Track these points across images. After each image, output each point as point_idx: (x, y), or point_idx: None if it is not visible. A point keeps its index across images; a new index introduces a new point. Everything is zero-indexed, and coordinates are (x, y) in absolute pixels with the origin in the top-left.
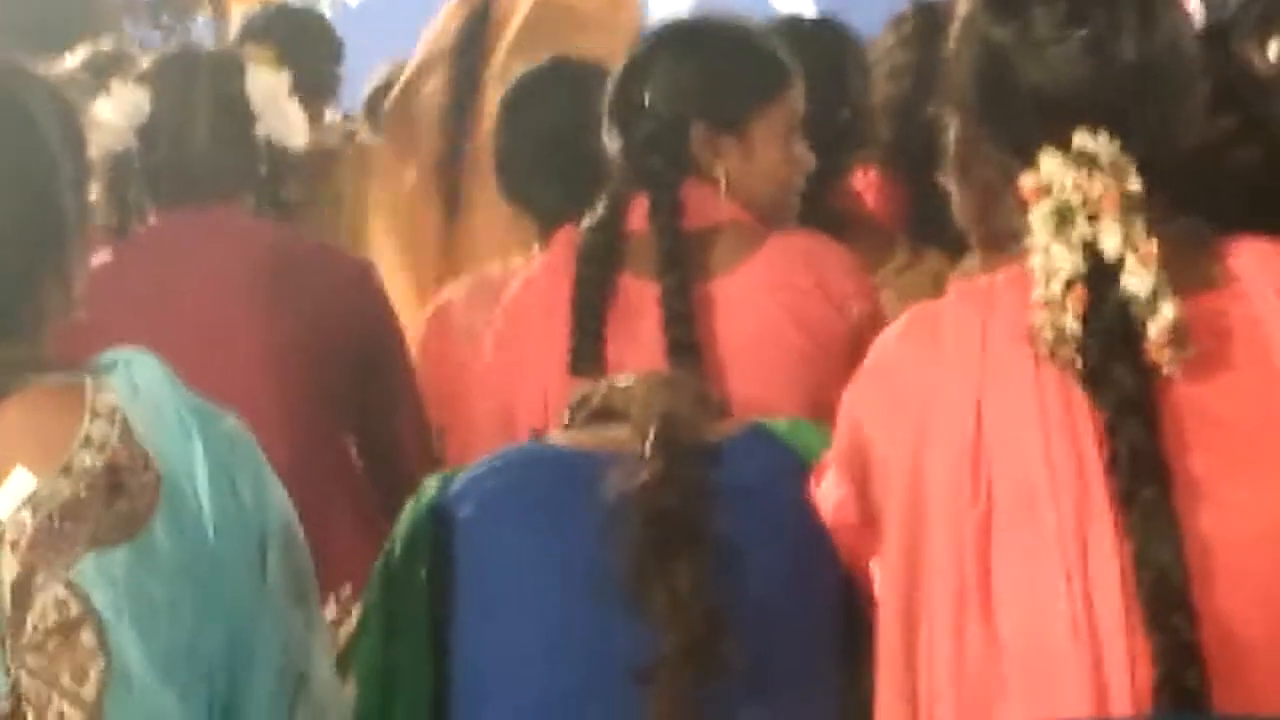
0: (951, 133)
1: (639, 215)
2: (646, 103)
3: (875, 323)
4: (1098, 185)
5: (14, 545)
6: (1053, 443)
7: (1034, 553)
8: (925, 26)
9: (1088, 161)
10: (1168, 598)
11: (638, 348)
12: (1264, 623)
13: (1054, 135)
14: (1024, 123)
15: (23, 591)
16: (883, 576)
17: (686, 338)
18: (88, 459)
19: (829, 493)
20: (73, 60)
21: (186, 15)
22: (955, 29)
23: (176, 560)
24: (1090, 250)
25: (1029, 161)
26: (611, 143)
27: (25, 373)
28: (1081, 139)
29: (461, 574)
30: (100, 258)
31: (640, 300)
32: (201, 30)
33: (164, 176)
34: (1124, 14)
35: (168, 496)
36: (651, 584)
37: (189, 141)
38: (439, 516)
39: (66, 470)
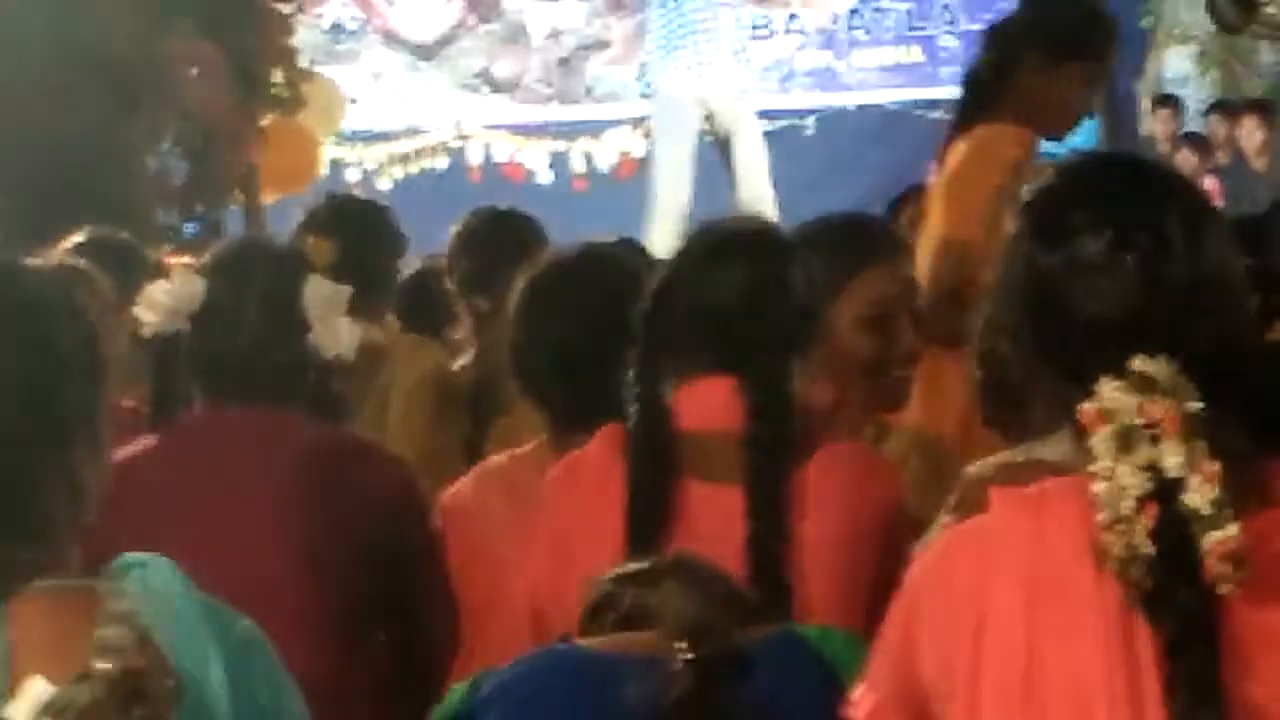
0: (1001, 343)
1: (693, 412)
2: (726, 291)
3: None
4: (1159, 408)
5: None
6: (1112, 658)
7: None
8: None
9: (1147, 386)
10: None
11: (702, 548)
12: None
13: (1110, 360)
14: (1078, 349)
15: None
16: None
17: (776, 548)
18: (104, 665)
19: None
20: (77, 239)
21: (219, 204)
22: (1004, 249)
23: None
24: (1154, 472)
25: (1085, 386)
26: (662, 320)
27: (32, 576)
28: (1140, 363)
29: None
30: (143, 443)
31: (707, 508)
32: (234, 219)
33: (211, 369)
34: (1171, 235)
35: (186, 702)
36: None
37: (238, 338)
38: None
39: (84, 676)
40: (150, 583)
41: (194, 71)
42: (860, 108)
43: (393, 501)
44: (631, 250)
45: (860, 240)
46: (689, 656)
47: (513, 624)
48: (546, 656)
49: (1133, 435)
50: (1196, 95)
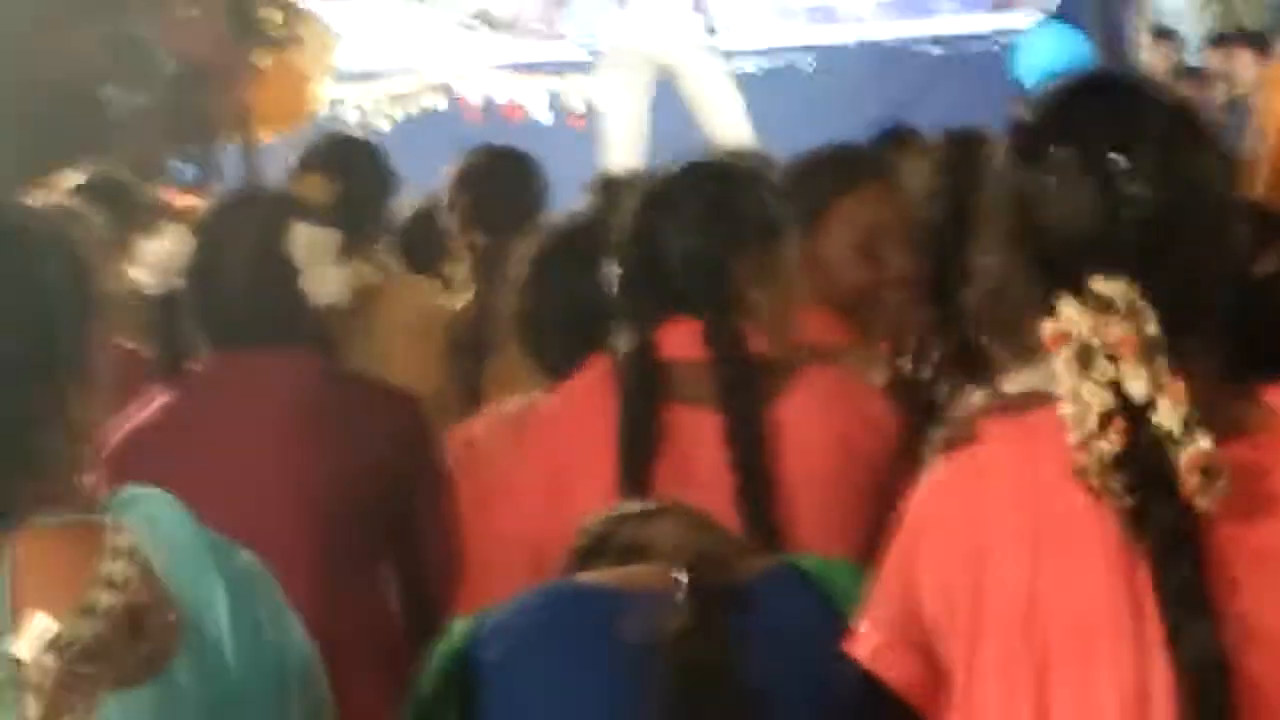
0: (991, 261)
1: (674, 343)
2: (681, 239)
3: (903, 442)
4: (1115, 330)
5: (38, 689)
6: (1113, 582)
7: (1092, 695)
8: (955, 154)
9: (1104, 306)
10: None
11: (690, 479)
12: None
13: (1073, 280)
14: (1047, 269)
15: None
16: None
17: (757, 465)
18: (108, 599)
19: (890, 659)
20: (74, 179)
21: (214, 144)
22: (993, 168)
23: (199, 699)
24: (1117, 389)
25: (1048, 305)
26: (631, 273)
27: (35, 510)
28: (1099, 284)
29: (492, 717)
30: (153, 395)
31: (695, 431)
32: (231, 158)
33: (211, 320)
34: (1140, 157)
35: (189, 635)
36: None
37: (232, 290)
38: (467, 659)
39: (87, 611)
40: (153, 517)
41: (190, 11)
42: (859, 43)
43: (402, 435)
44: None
45: (844, 166)
46: (689, 588)
47: (509, 574)
48: (546, 592)
49: (1092, 355)
50: (1194, 29)
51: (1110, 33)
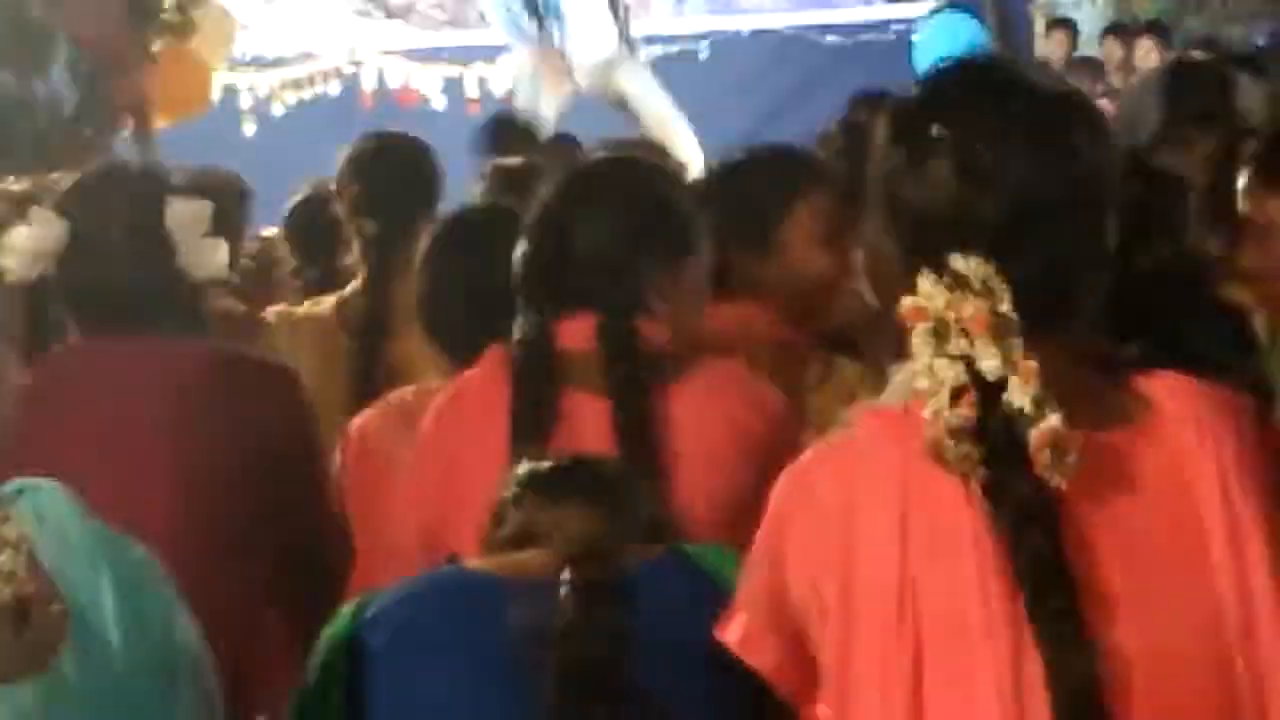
0: (870, 239)
1: (572, 335)
2: (590, 234)
3: (795, 437)
4: (969, 306)
5: None
6: (983, 564)
7: (967, 678)
8: (851, 142)
9: (960, 284)
10: (1081, 709)
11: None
12: (1154, 689)
13: (932, 257)
14: (911, 244)
15: None
16: (822, 706)
17: (644, 455)
18: None
19: (757, 645)
20: None
21: (109, 131)
22: (871, 148)
23: (85, 692)
24: (970, 365)
25: (912, 280)
26: (536, 262)
27: None
28: (955, 261)
29: (374, 706)
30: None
31: (585, 415)
32: (125, 145)
33: (83, 302)
34: (1009, 142)
35: (75, 629)
36: None
37: (106, 269)
38: (352, 646)
39: None
40: (42, 508)
41: None
42: (754, 32)
43: (283, 412)
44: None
45: (796, 164)
46: (574, 582)
47: (401, 559)
48: (431, 579)
49: (946, 330)
50: (1090, 18)
51: (1007, 22)
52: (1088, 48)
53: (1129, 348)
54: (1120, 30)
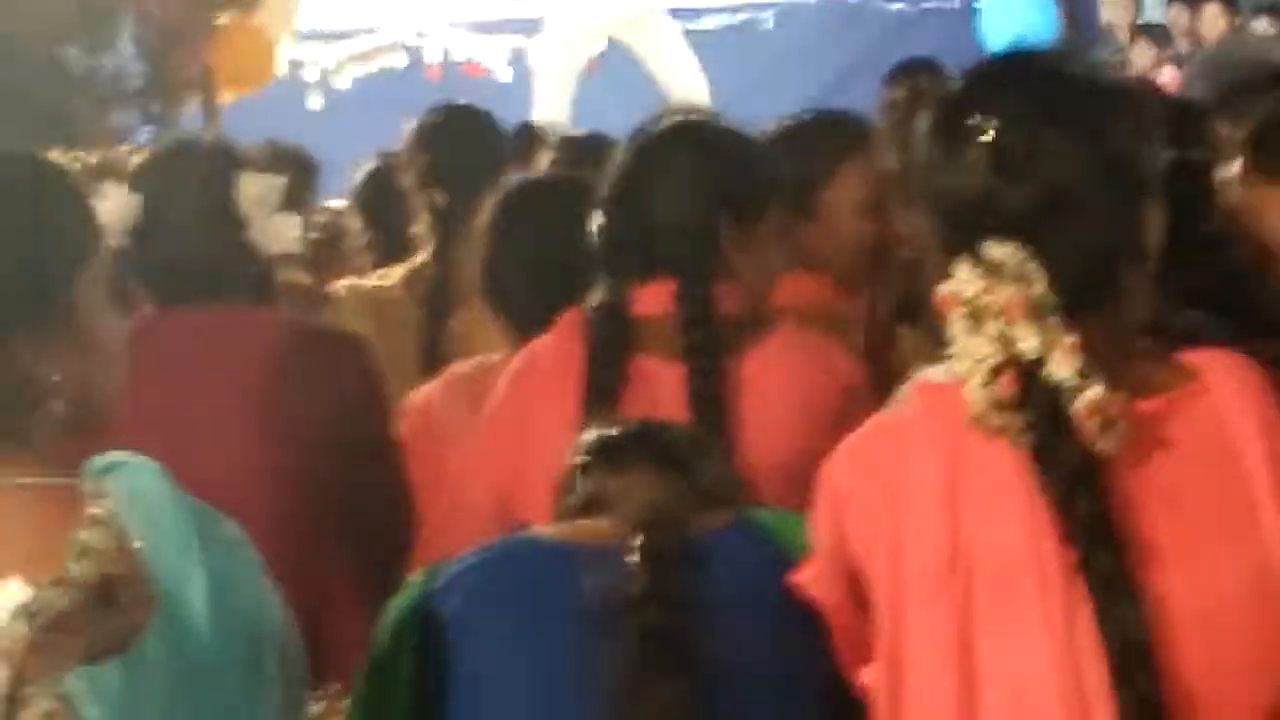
0: (912, 224)
1: (648, 300)
2: (669, 198)
3: (867, 404)
4: (1004, 292)
5: (6, 655)
6: (1035, 518)
7: (1021, 633)
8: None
9: (995, 270)
10: (1133, 659)
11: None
12: (1225, 681)
13: (967, 243)
14: (945, 231)
15: (12, 703)
16: (874, 667)
17: (716, 419)
18: (82, 568)
19: (822, 586)
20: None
21: (176, 105)
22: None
23: (170, 674)
24: (1008, 344)
25: (948, 268)
26: (614, 230)
27: (12, 471)
28: (991, 248)
29: (447, 671)
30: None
31: (659, 381)
32: (191, 120)
33: (155, 276)
34: (1043, 132)
35: (163, 608)
36: (640, 701)
37: (178, 244)
38: (424, 612)
39: (60, 580)
40: (134, 485)
41: None
42: (819, 0)
43: (358, 388)
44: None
45: (839, 131)
46: (645, 550)
47: (471, 526)
48: (502, 546)
49: (982, 314)
50: None
51: None
52: (1154, 13)
53: (1194, 314)
54: None
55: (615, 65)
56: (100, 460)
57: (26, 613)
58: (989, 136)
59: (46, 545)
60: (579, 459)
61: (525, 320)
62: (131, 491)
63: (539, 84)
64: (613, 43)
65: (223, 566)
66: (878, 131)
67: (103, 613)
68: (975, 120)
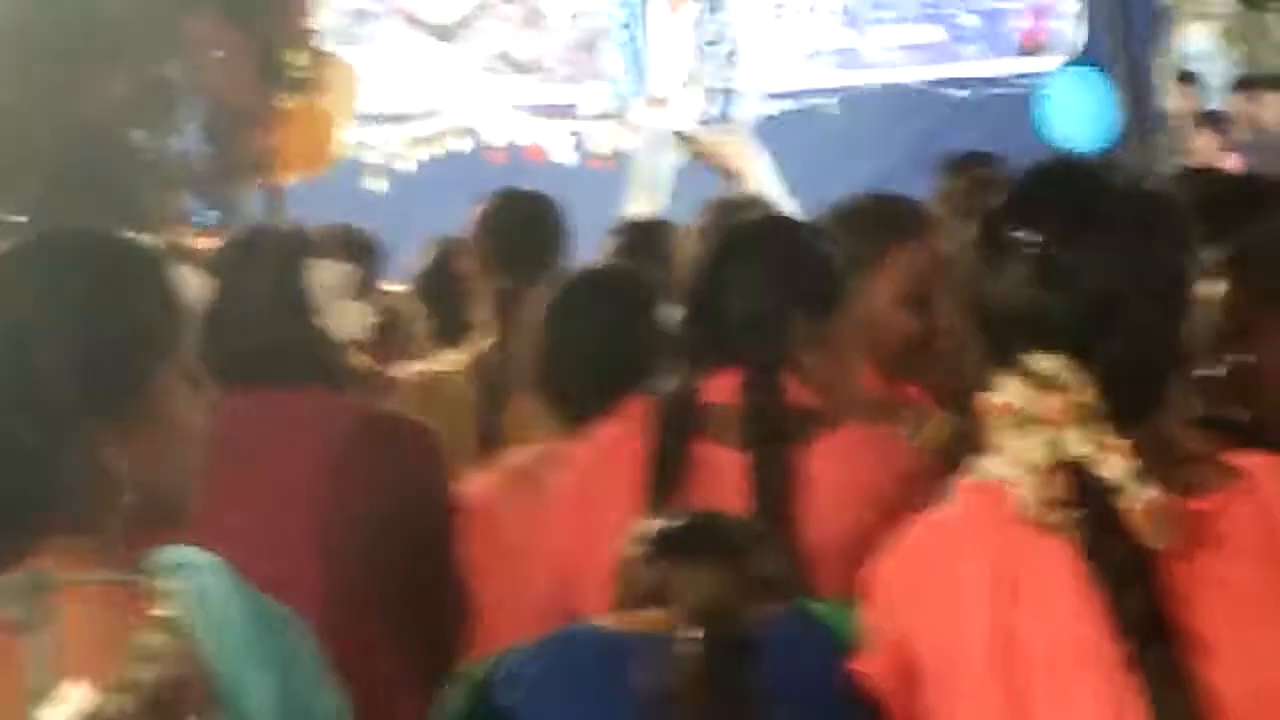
0: (956, 328)
1: (717, 389)
2: (742, 290)
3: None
4: (1054, 401)
5: None
6: (1088, 611)
7: (1072, 716)
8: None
9: (1041, 381)
10: None
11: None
12: None
13: (1012, 354)
14: (990, 342)
15: None
16: None
17: (777, 509)
18: (144, 674)
19: (879, 674)
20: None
21: (239, 187)
22: (957, 244)
23: None
24: (1059, 448)
25: (993, 376)
26: (692, 320)
27: (71, 562)
28: (1038, 360)
29: None
30: None
31: (723, 468)
32: (255, 203)
33: (228, 359)
34: (1088, 245)
35: (229, 714)
36: None
37: (249, 329)
38: (487, 704)
39: (124, 685)
40: (202, 584)
41: (216, 54)
42: (884, 86)
43: (424, 476)
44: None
45: (891, 216)
46: (698, 639)
47: (530, 615)
48: (563, 637)
49: (1029, 422)
50: (1219, 72)
51: (1135, 77)
52: (1216, 100)
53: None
54: (1248, 84)
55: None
56: (165, 556)
57: (82, 718)
58: (1034, 249)
59: (111, 646)
60: (639, 550)
61: (577, 411)
62: (197, 592)
63: (634, 173)
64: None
65: (286, 670)
66: (932, 218)
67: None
68: (1020, 233)
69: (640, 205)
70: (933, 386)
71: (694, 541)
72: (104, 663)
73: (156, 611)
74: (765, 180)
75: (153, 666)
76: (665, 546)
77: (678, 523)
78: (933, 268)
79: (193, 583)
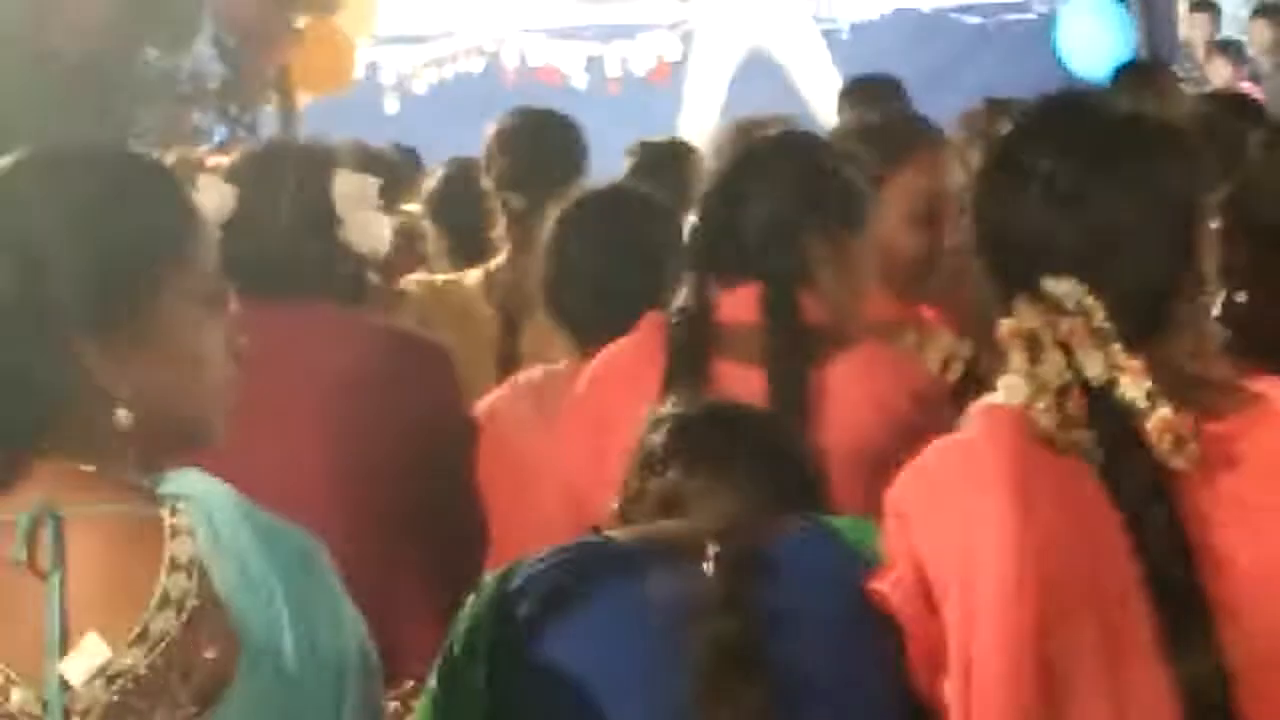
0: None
1: (733, 306)
2: (761, 204)
3: (940, 415)
4: (1065, 324)
5: (83, 715)
6: (1106, 531)
7: (1090, 637)
8: (994, 121)
9: (1054, 304)
10: (1206, 682)
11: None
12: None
13: (1024, 279)
14: (1003, 269)
15: None
16: (947, 678)
17: (795, 424)
18: (165, 623)
19: (899, 595)
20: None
21: (254, 106)
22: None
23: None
24: (1074, 369)
25: (1008, 303)
26: (708, 232)
27: (83, 494)
28: (1049, 283)
29: (521, 673)
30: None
31: (740, 386)
32: (269, 120)
33: (247, 270)
34: (1095, 172)
35: (247, 659)
36: (713, 709)
37: (271, 239)
38: (498, 614)
39: (142, 636)
40: (213, 518)
41: None
42: (895, 12)
43: (440, 393)
44: (678, 155)
45: (897, 136)
46: (719, 559)
47: (539, 530)
48: (576, 549)
49: (1044, 345)
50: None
51: (1151, 4)
52: (1231, 28)
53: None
54: (1271, 11)
55: (758, 73)
56: (172, 484)
57: (106, 673)
58: (1042, 175)
59: (126, 590)
60: (657, 448)
61: (586, 333)
62: (213, 531)
63: (689, 89)
64: (755, 51)
65: (304, 593)
66: (938, 138)
67: (184, 672)
68: (1028, 160)
69: (694, 115)
70: (943, 307)
71: (713, 441)
72: (121, 609)
73: (171, 549)
74: (822, 76)
75: (173, 616)
76: (684, 446)
77: (696, 413)
78: (939, 187)
79: (203, 514)
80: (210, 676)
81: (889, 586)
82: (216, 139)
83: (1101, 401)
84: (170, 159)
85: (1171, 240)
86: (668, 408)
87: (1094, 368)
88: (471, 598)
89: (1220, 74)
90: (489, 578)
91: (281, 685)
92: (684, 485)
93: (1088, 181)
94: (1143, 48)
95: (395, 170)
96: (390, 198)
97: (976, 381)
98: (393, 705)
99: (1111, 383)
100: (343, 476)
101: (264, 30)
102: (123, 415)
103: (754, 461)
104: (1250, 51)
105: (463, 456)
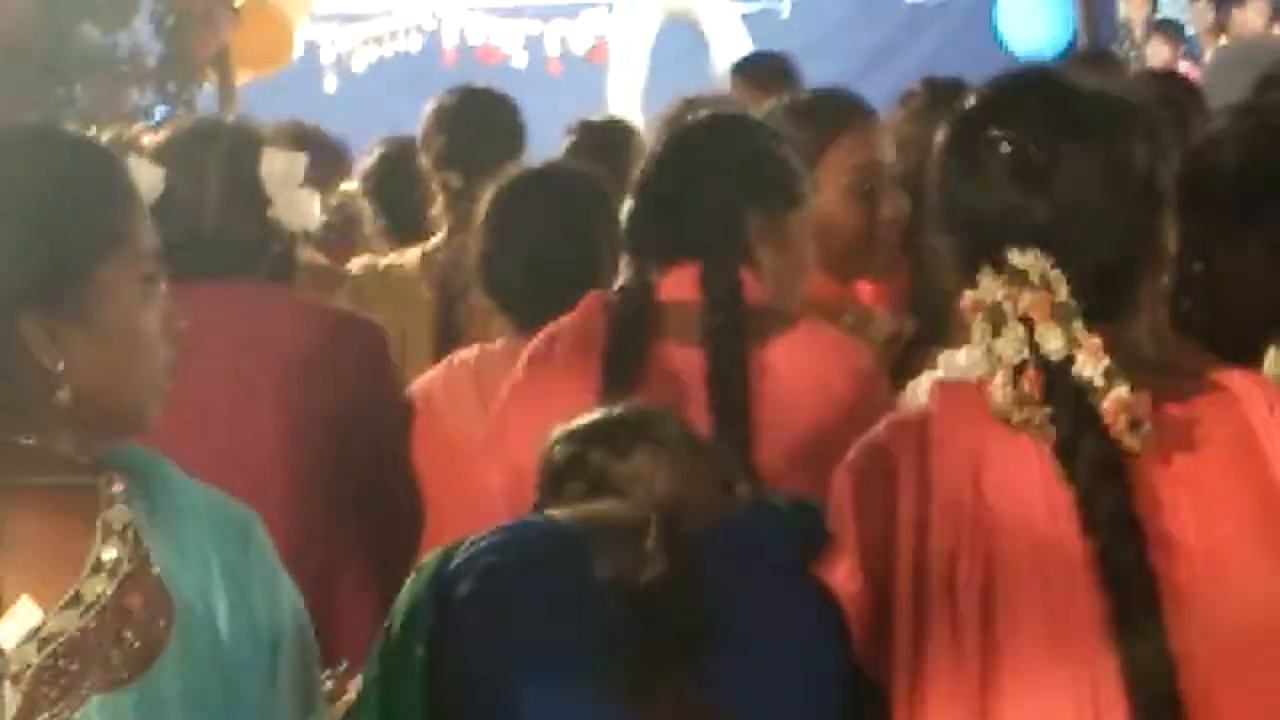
0: (932, 236)
1: (673, 285)
2: (699, 184)
3: (882, 396)
4: (1027, 297)
5: (15, 679)
6: (1057, 510)
7: (1038, 616)
8: (932, 101)
9: (1018, 277)
10: (1152, 661)
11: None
12: (1230, 654)
13: (987, 253)
14: (967, 243)
15: None
16: (893, 655)
17: (736, 403)
18: (98, 587)
19: (842, 575)
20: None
21: (192, 83)
22: (930, 152)
23: (187, 694)
24: (1032, 345)
25: (972, 276)
26: (645, 212)
27: (24, 469)
28: (1014, 256)
29: (461, 654)
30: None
31: (680, 366)
32: (207, 98)
33: (176, 250)
34: (1060, 146)
35: (180, 627)
36: (656, 686)
37: (201, 218)
38: (438, 594)
39: (75, 600)
40: (150, 487)
41: None
42: None
43: (373, 373)
44: (617, 134)
45: (832, 109)
46: (661, 535)
47: (474, 510)
48: (516, 528)
49: (1005, 318)
50: None
51: None
52: (1171, 9)
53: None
54: None
55: (679, 49)
56: (113, 457)
57: (39, 636)
58: (1008, 149)
59: (60, 557)
60: (574, 434)
61: (523, 312)
62: (150, 500)
63: (611, 67)
64: (675, 23)
65: (239, 572)
66: (874, 115)
67: (117, 635)
68: (994, 133)
69: (620, 88)
70: (881, 283)
71: (637, 429)
72: (56, 575)
73: (106, 517)
74: (736, 47)
75: (106, 580)
76: (608, 438)
77: (618, 415)
78: (873, 161)
79: (140, 484)
80: (143, 642)
81: (831, 568)
82: (156, 117)
83: (1059, 378)
84: (105, 137)
85: (1137, 216)
86: (586, 416)
87: (1053, 342)
88: (411, 577)
89: (1159, 54)
90: (429, 558)
91: (215, 654)
92: (616, 465)
93: (1052, 154)
94: (1082, 27)
95: (332, 150)
96: (327, 176)
97: (915, 360)
98: (329, 685)
99: (1069, 359)
100: (278, 452)
101: (203, 8)
102: (63, 394)
103: (690, 450)
104: (1190, 31)
105: (398, 437)
